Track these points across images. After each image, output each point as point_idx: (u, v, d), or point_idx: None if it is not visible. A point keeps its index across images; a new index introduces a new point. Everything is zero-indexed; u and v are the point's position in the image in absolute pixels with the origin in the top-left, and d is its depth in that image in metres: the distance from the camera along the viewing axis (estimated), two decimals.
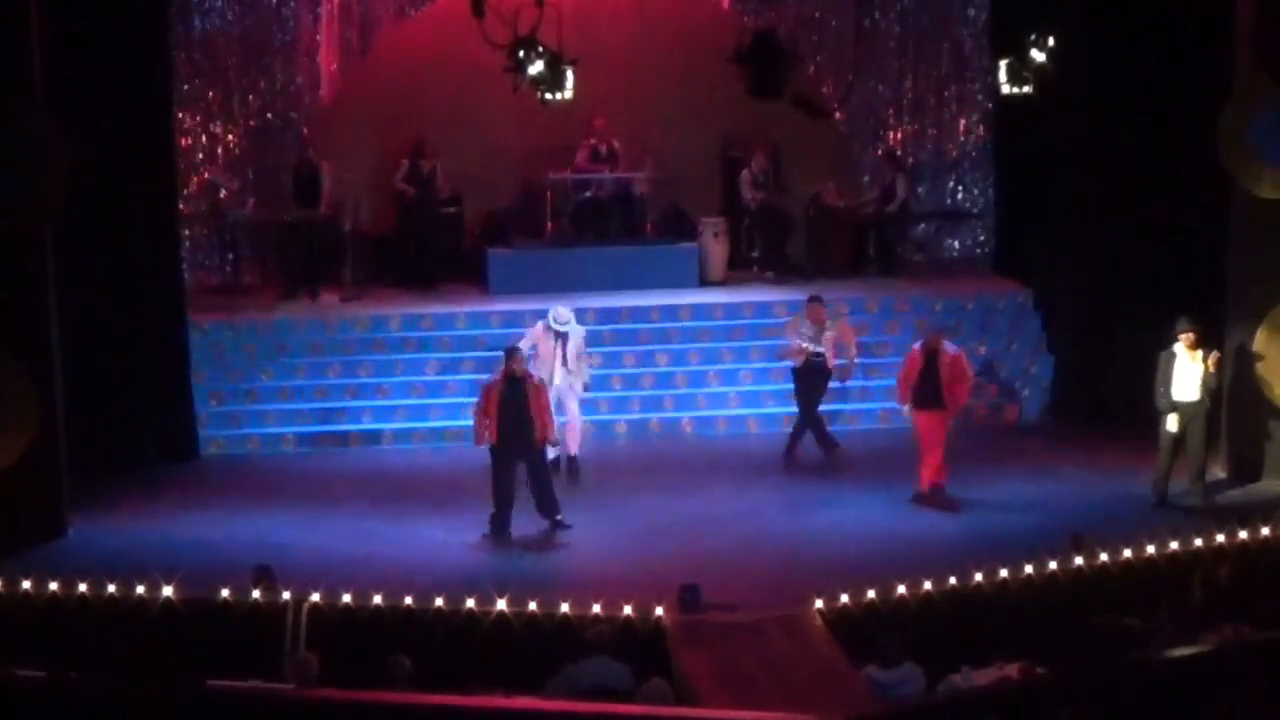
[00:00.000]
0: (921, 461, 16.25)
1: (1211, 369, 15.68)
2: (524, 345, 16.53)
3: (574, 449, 17.06)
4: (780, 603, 13.55)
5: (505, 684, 11.49)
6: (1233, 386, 16.53)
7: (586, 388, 17.29)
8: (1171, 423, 15.80)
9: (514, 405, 15.29)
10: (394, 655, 11.52)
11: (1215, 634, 11.85)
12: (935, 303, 19.89)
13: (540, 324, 17.03)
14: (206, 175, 20.99)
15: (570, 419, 17.00)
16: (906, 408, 16.42)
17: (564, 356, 16.79)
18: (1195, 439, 15.92)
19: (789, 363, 17.60)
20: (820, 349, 17.28)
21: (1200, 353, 15.70)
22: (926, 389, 16.19)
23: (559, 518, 15.57)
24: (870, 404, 18.28)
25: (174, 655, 12.04)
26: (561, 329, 16.83)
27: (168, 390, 17.66)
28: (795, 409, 17.70)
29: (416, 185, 20.78)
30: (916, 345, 16.52)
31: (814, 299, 17.72)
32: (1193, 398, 15.78)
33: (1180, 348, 15.72)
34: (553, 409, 16.00)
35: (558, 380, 16.76)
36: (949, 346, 16.47)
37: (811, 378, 17.43)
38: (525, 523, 15.75)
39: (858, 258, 21.53)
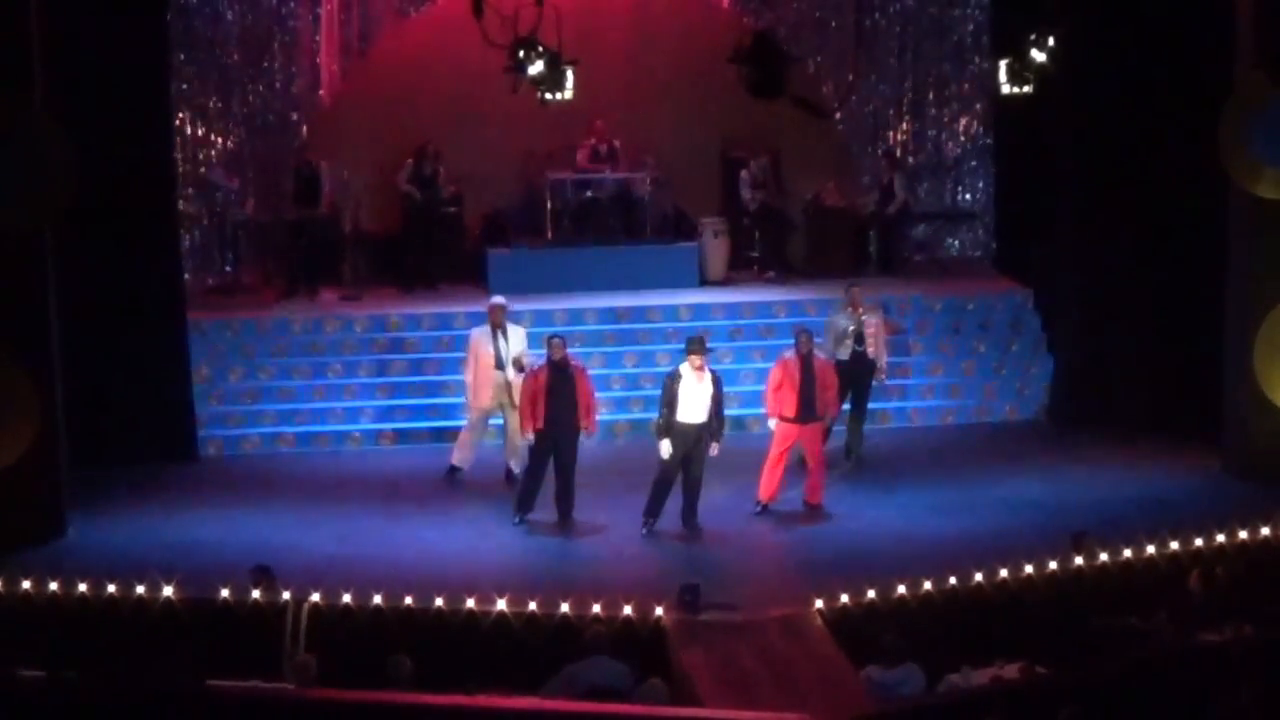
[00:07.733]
0: (804, 476, 15.81)
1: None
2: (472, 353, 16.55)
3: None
4: (780, 603, 13.55)
5: (505, 684, 11.49)
6: (1232, 385, 16.51)
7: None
8: (665, 448, 15.10)
9: (560, 392, 15.37)
10: (394, 655, 11.53)
11: (1215, 634, 11.87)
12: (935, 303, 19.89)
13: (476, 329, 16.82)
14: (206, 175, 20.97)
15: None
16: (773, 421, 15.72)
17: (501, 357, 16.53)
18: (697, 469, 15.22)
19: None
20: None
21: (708, 374, 15.00)
22: (806, 397, 15.61)
23: (571, 514, 15.59)
24: (870, 404, 18.21)
25: (174, 655, 12.03)
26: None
27: (167, 390, 17.63)
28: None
29: (419, 186, 20.79)
30: (789, 352, 15.85)
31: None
32: (698, 420, 15.03)
33: (686, 369, 15.06)
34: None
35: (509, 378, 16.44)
36: (819, 352, 15.94)
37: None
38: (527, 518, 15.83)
39: (858, 258, 21.51)
